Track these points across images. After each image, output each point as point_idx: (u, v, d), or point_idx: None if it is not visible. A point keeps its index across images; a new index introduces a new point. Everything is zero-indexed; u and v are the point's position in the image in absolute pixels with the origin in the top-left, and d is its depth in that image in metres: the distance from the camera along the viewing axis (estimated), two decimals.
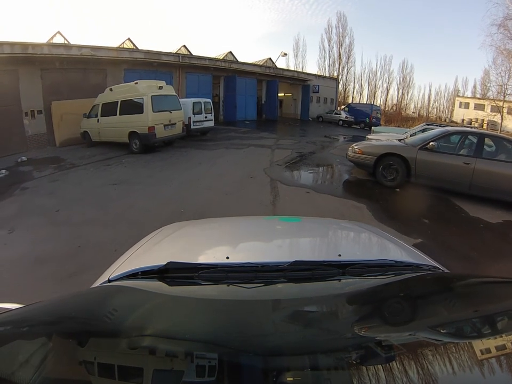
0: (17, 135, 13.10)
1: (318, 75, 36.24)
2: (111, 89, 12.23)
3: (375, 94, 56.44)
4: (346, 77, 52.00)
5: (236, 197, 6.71)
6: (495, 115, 33.65)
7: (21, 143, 12.93)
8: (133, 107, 11.07)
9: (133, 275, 1.23)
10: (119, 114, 11.46)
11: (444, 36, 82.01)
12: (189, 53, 25.42)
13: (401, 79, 56.19)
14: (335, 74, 47.30)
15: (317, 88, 32.04)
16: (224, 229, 2.02)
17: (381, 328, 0.92)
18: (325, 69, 50.08)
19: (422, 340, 0.85)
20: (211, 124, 15.43)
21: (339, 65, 50.24)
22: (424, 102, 60.12)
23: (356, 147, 8.12)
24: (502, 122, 32.79)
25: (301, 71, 38.76)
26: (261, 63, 29.94)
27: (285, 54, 33.54)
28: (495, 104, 31.80)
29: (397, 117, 46.50)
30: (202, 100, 15.06)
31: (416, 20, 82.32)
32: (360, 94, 55.98)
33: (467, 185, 6.70)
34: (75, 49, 15.71)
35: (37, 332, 0.85)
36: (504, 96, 30.69)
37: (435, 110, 59.69)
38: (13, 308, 1.01)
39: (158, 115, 10.95)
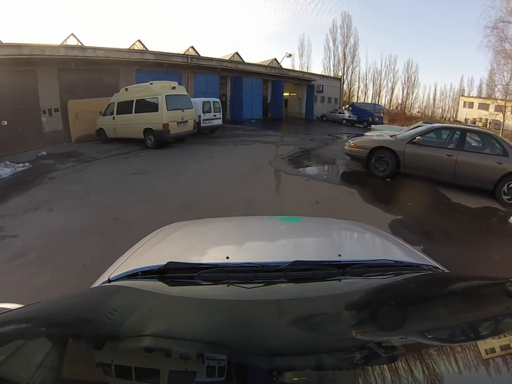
0: (36, 131, 13.97)
1: (322, 75, 36.90)
2: (126, 89, 13.13)
3: (380, 93, 56.59)
4: (351, 77, 52.32)
5: (244, 182, 7.72)
6: (497, 114, 34.13)
7: (39, 139, 13.70)
8: (148, 106, 11.97)
9: (133, 275, 1.24)
10: (135, 112, 12.33)
11: (449, 35, 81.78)
12: (196, 54, 26.26)
13: (406, 78, 56.01)
14: (340, 74, 47.95)
15: (321, 88, 32.76)
16: (224, 229, 2.04)
17: (381, 328, 0.92)
18: (330, 69, 50.57)
19: (423, 340, 0.85)
20: (219, 122, 16.31)
21: (344, 65, 50.82)
22: (429, 101, 59.87)
23: (351, 142, 9.04)
24: (504, 121, 33.29)
25: (305, 71, 39.45)
26: (266, 64, 30.73)
27: (290, 55, 34.26)
28: (497, 104, 32.13)
29: (401, 116, 46.75)
30: (211, 100, 15.93)
31: (422, 19, 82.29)
32: (365, 94, 56.10)
33: (450, 175, 7.50)
34: (90, 51, 16.49)
35: (37, 332, 0.86)
36: (506, 96, 31.04)
37: (440, 109, 59.23)
38: (13, 308, 1.02)
39: (171, 113, 11.82)
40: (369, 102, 48.68)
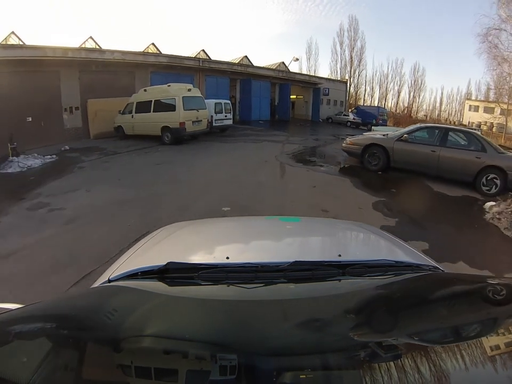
0: (57, 128, 15.11)
1: (328, 78, 37.95)
2: (145, 90, 14.39)
3: (386, 96, 57.10)
4: (357, 80, 53.03)
5: (254, 171, 9.02)
6: (500, 117, 34.78)
7: (60, 135, 14.71)
8: (166, 106, 13.19)
9: (133, 275, 1.24)
10: (153, 112, 13.55)
11: (456, 38, 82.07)
12: (207, 57, 27.29)
13: (412, 82, 56.45)
14: (347, 77, 48.76)
15: (327, 91, 33.78)
16: (224, 229, 2.06)
17: (381, 329, 0.92)
18: (336, 72, 51.45)
19: (423, 340, 0.85)
20: (230, 122, 17.51)
21: (351, 68, 51.61)
22: (435, 105, 60.30)
23: (348, 140, 10.21)
24: (506, 124, 33.94)
25: (312, 74, 40.28)
26: (274, 67, 31.75)
27: (297, 59, 35.28)
28: (500, 107, 32.73)
29: (406, 119, 47.17)
30: (223, 101, 17.14)
31: (429, 23, 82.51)
32: (372, 97, 56.71)
33: (434, 168, 8.52)
34: (108, 54, 17.70)
35: (37, 332, 0.87)
36: (509, 100, 31.59)
37: (447, 113, 59.72)
38: (13, 308, 1.02)
39: (187, 113, 13.02)
40: (376, 104, 49.20)
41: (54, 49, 15.22)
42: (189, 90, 13.79)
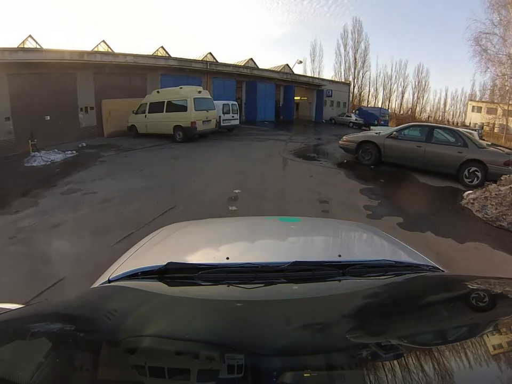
0: (73, 126, 16.19)
1: (331, 80, 38.91)
2: (158, 92, 15.56)
3: (390, 97, 57.72)
4: (361, 81, 53.71)
5: (259, 165, 10.18)
6: (500, 118, 35.47)
7: (76, 133, 15.77)
8: (178, 106, 14.34)
9: (133, 275, 1.25)
10: (166, 112, 14.68)
11: (461, 40, 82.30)
12: (214, 60, 28.33)
13: (416, 83, 57.20)
14: (351, 78, 49.66)
15: (330, 92, 34.68)
16: (224, 229, 2.07)
17: (381, 329, 0.91)
18: (340, 73, 52.19)
19: (423, 340, 0.86)
20: (237, 122, 18.61)
21: (354, 69, 52.39)
22: (439, 106, 60.83)
23: (344, 137, 11.24)
24: (506, 125, 34.65)
25: (315, 77, 41.26)
26: (278, 69, 32.78)
27: (300, 62, 36.16)
28: (501, 108, 33.38)
29: (409, 120, 47.67)
30: (230, 102, 18.27)
31: (433, 24, 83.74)
32: (375, 98, 57.32)
33: (421, 162, 9.45)
34: (121, 57, 18.70)
35: (37, 332, 0.86)
36: (509, 101, 32.20)
37: (451, 113, 60.32)
38: (13, 308, 1.03)
39: (198, 113, 14.13)
40: (380, 106, 49.95)
41: (71, 52, 16.25)
42: (199, 92, 14.91)
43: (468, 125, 40.76)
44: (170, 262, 1.18)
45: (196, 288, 1.16)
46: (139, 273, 1.25)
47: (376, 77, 59.63)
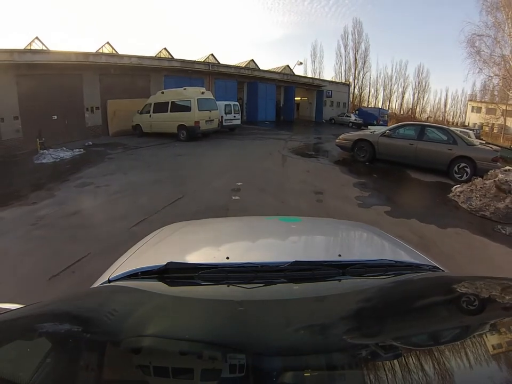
0: (80, 125, 16.75)
1: (331, 81, 39.35)
2: (162, 92, 16.10)
3: (390, 98, 57.95)
4: (362, 82, 53.97)
5: (260, 161, 10.83)
6: (498, 118, 35.87)
7: (82, 132, 16.35)
8: (182, 106, 14.88)
9: (133, 275, 1.26)
10: (170, 112, 15.25)
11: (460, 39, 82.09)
12: (216, 61, 28.99)
13: (416, 83, 57.40)
14: (351, 79, 50.13)
15: (330, 93, 35.24)
16: (224, 229, 2.07)
17: (381, 329, 0.92)
18: (341, 74, 52.53)
19: (423, 340, 0.86)
20: (238, 122, 19.13)
21: (355, 70, 52.72)
22: (440, 106, 60.90)
23: (340, 136, 11.79)
24: (504, 125, 35.07)
25: (315, 77, 41.89)
26: (279, 70, 33.41)
27: (301, 63, 36.41)
28: (494, 108, 33.76)
29: (409, 121, 47.62)
30: (232, 103, 18.79)
31: (433, 25, 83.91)
32: (376, 98, 57.46)
33: (413, 159, 9.97)
34: (126, 59, 19.17)
35: (37, 332, 0.86)
36: (507, 101, 32.53)
37: (451, 114, 60.38)
38: (13, 308, 1.03)
39: (201, 113, 14.70)
40: (380, 106, 50.32)
41: (77, 54, 16.75)
42: (203, 93, 15.53)
43: (467, 125, 41.16)
44: (170, 262, 1.19)
45: (196, 288, 1.16)
46: (139, 273, 1.25)
47: (376, 78, 60.21)
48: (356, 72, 52.78)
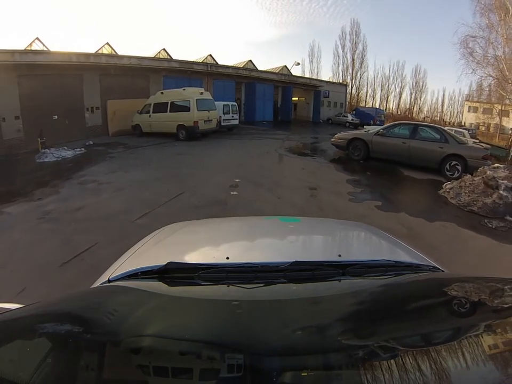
0: (80, 125, 16.89)
1: (328, 81, 39.59)
2: (162, 93, 16.37)
3: (387, 98, 58.32)
4: (359, 82, 54.17)
5: (258, 159, 11.19)
6: (494, 118, 36.18)
7: (82, 132, 16.54)
8: (181, 107, 15.15)
9: (133, 275, 1.26)
10: (169, 112, 15.51)
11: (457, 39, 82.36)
12: (215, 62, 29.20)
13: (414, 83, 57.72)
14: (348, 79, 50.24)
15: (327, 93, 35.42)
16: (224, 229, 2.09)
17: (381, 329, 0.91)
18: (338, 74, 52.72)
19: (423, 340, 0.86)
20: (236, 122, 19.45)
21: (352, 70, 52.87)
22: (437, 106, 61.12)
23: (336, 135, 12.09)
24: (500, 125, 35.42)
25: (313, 78, 42.11)
26: (277, 71, 33.59)
27: (298, 64, 36.66)
28: (494, 108, 34.08)
29: (406, 121, 47.75)
30: (230, 103, 19.10)
31: (431, 25, 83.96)
32: (373, 98, 57.79)
33: (406, 157, 10.26)
34: (125, 59, 19.39)
35: (37, 332, 0.86)
36: (503, 101, 32.78)
37: (448, 114, 60.59)
38: (13, 308, 1.03)
39: (200, 113, 14.97)
40: (377, 106, 50.64)
41: (77, 55, 17.00)
42: (201, 93, 15.81)
43: (463, 125, 41.51)
44: (170, 262, 1.19)
45: (195, 288, 1.16)
46: (139, 273, 1.25)
47: (374, 78, 60.02)
48: (354, 72, 52.99)
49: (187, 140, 14.81)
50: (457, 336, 0.88)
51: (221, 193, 6.98)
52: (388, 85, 58.04)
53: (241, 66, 30.76)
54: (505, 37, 18.09)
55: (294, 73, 35.17)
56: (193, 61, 24.61)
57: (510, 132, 19.00)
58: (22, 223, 5.54)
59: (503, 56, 18.55)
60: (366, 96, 56.97)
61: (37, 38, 24.29)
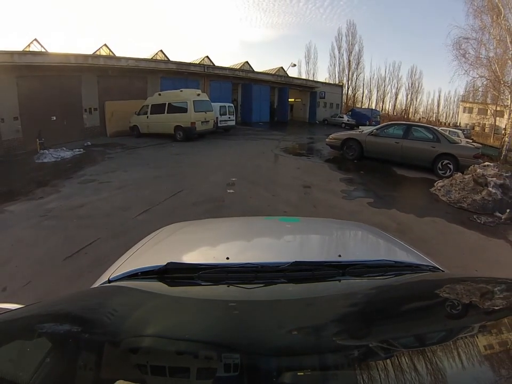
0: (78, 126, 16.98)
1: (324, 82, 40.00)
2: (159, 94, 16.56)
3: (384, 99, 58.70)
4: (355, 83, 54.47)
5: (254, 159, 11.42)
6: (488, 118, 36.43)
7: (80, 133, 16.57)
8: (179, 108, 15.35)
9: (133, 275, 1.26)
10: (167, 113, 15.69)
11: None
12: (211, 63, 29.35)
13: (410, 84, 58.11)
14: (345, 80, 50.66)
15: (323, 94, 35.68)
16: (224, 229, 2.09)
17: (381, 329, 0.91)
18: (335, 75, 53.01)
19: (422, 340, 0.86)
20: (233, 123, 19.69)
21: (349, 71, 53.18)
22: (433, 107, 61.68)
23: (330, 135, 12.33)
24: (495, 125, 35.69)
25: (309, 79, 42.62)
26: (273, 72, 33.88)
27: (294, 65, 36.76)
28: (489, 109, 34.28)
29: (402, 121, 47.93)
30: (226, 104, 19.40)
31: (427, 26, 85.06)
32: (369, 99, 58.06)
33: (399, 156, 10.51)
34: (123, 61, 19.55)
35: (37, 332, 0.86)
36: (497, 102, 33.03)
37: (444, 114, 61.16)
38: (13, 308, 1.03)
39: (197, 114, 15.19)
40: (374, 107, 51.09)
41: (76, 56, 17.12)
42: (198, 95, 16.02)
43: (459, 125, 41.81)
44: (170, 262, 1.19)
45: (195, 288, 1.15)
46: (139, 273, 1.25)
47: (370, 79, 60.59)
48: (350, 73, 53.34)
49: (184, 140, 15.00)
50: (457, 336, 0.89)
51: (218, 191, 7.18)
52: (384, 86, 58.55)
53: (237, 67, 30.99)
54: (497, 38, 18.29)
55: (290, 75, 35.53)
56: (190, 63, 24.81)
57: (502, 131, 19.30)
58: (26, 220, 5.68)
59: (495, 57, 18.78)
60: (362, 97, 57.35)
61: (35, 39, 24.25)
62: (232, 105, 20.25)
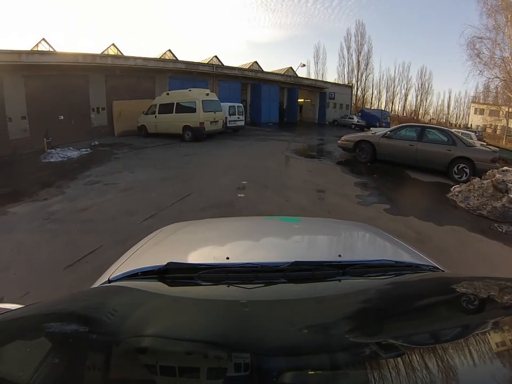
0: (86, 126, 16.98)
1: (334, 83, 39.65)
2: (167, 93, 16.39)
3: (393, 100, 58.12)
4: (365, 83, 53.92)
5: (264, 160, 11.18)
6: (501, 120, 35.93)
7: (88, 132, 16.61)
8: (187, 108, 15.15)
9: (133, 275, 1.26)
10: (175, 113, 15.51)
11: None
12: (220, 63, 29.24)
13: (419, 85, 57.46)
14: (354, 81, 50.18)
15: (333, 95, 35.36)
16: (224, 229, 2.08)
17: (381, 329, 0.91)
18: (344, 76, 52.66)
19: (423, 339, 0.85)
20: (242, 123, 19.51)
21: (358, 72, 52.70)
22: (443, 108, 60.86)
23: (342, 137, 12.05)
24: (507, 126, 35.16)
25: (318, 79, 42.07)
26: (282, 72, 33.69)
27: (304, 65, 36.87)
28: (502, 110, 33.83)
29: (411, 122, 47.56)
30: (236, 104, 19.20)
31: (437, 27, 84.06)
32: (379, 100, 57.56)
33: (413, 159, 10.19)
34: (131, 60, 19.53)
35: (37, 332, 0.87)
36: (510, 103, 32.57)
37: (455, 116, 60.35)
38: (13, 308, 1.04)
39: (206, 114, 14.98)
40: (383, 108, 50.67)
41: (84, 56, 17.10)
42: (207, 94, 15.81)
43: (470, 127, 41.30)
44: (170, 262, 1.19)
45: (196, 288, 1.16)
46: (139, 273, 1.25)
47: (379, 79, 59.58)
48: (359, 74, 52.86)
49: (193, 140, 14.81)
50: (457, 335, 0.89)
51: (227, 196, 6.94)
52: (394, 87, 57.89)
53: (246, 67, 30.80)
54: None
55: (299, 75, 35.31)
56: (198, 62, 24.61)
57: None
58: (28, 223, 5.51)
59: (510, 58, 18.41)
60: (372, 98, 56.78)
61: (43, 39, 24.43)
62: (241, 105, 20.05)
